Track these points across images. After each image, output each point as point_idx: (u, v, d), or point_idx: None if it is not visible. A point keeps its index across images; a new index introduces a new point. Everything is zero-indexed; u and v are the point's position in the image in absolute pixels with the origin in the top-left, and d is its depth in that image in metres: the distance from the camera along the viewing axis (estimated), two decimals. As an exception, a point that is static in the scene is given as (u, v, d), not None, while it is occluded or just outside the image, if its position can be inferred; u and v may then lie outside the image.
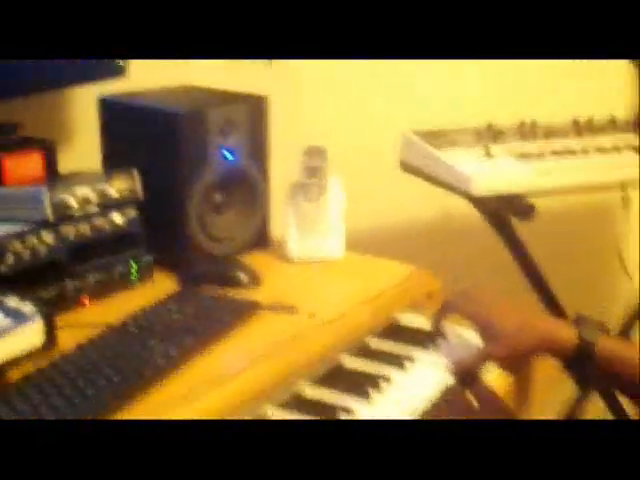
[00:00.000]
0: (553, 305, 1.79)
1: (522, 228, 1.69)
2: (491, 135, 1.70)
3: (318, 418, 1.01)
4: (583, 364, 1.10)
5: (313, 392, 1.08)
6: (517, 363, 1.15)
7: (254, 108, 1.41)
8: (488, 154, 1.58)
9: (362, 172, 1.85)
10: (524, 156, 1.60)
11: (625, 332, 1.92)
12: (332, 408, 1.04)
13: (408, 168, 1.72)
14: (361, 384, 1.09)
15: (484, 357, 1.12)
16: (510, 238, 1.70)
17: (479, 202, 1.62)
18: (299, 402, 1.06)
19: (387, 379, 1.11)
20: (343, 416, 1.01)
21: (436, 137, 1.68)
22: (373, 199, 1.92)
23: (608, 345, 1.09)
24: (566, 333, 1.11)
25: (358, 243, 1.44)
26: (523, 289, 1.80)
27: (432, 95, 1.99)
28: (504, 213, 1.61)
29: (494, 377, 1.13)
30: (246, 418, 0.99)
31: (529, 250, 1.76)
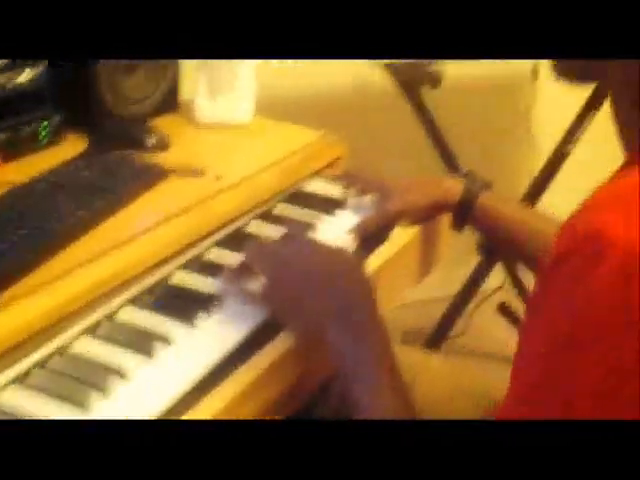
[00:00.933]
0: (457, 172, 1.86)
1: (433, 101, 1.73)
2: None
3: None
4: (465, 216, 1.18)
5: (217, 255, 1.12)
6: (415, 217, 1.21)
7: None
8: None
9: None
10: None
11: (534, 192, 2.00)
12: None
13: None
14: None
15: (383, 214, 1.19)
16: (420, 107, 1.74)
17: (391, 68, 1.65)
18: (202, 264, 1.10)
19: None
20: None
21: None
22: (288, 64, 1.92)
23: (488, 199, 1.18)
24: (452, 185, 1.21)
25: (268, 109, 1.46)
26: (432, 162, 1.87)
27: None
28: (415, 81, 1.64)
29: (399, 233, 1.19)
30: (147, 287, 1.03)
31: (438, 123, 1.80)
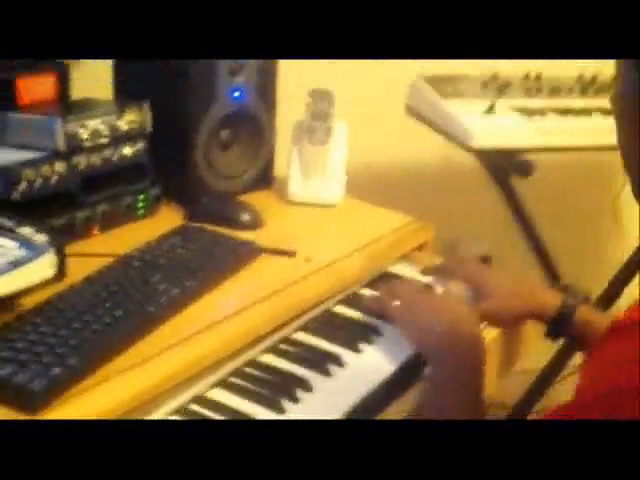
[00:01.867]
0: (546, 261, 1.85)
1: (521, 184, 1.73)
2: (496, 86, 1.72)
3: (307, 366, 1.07)
4: (561, 329, 1.19)
5: (304, 337, 1.14)
6: (506, 322, 1.23)
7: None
8: (491, 108, 1.61)
9: (368, 118, 1.87)
10: (527, 112, 1.63)
11: (612, 291, 1.97)
12: (323, 355, 1.10)
13: (413, 113, 1.75)
14: (352, 334, 1.15)
15: (477, 311, 1.19)
16: (509, 193, 1.74)
17: (481, 155, 1.66)
18: (290, 347, 1.12)
19: (376, 330, 1.17)
20: (332, 367, 1.07)
21: (443, 83, 1.71)
22: (377, 145, 1.95)
23: (586, 313, 1.17)
24: (551, 297, 1.21)
25: (358, 188, 1.49)
26: (518, 245, 1.86)
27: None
28: (504, 168, 1.65)
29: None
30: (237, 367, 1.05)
31: (526, 206, 1.80)
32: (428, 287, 1.22)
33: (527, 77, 1.76)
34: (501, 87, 1.72)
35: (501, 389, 2.19)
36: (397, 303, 1.15)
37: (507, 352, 1.26)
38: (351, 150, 1.50)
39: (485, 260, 2.17)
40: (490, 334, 1.21)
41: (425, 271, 1.31)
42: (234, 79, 1.39)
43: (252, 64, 1.40)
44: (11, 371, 0.90)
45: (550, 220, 1.84)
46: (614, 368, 0.73)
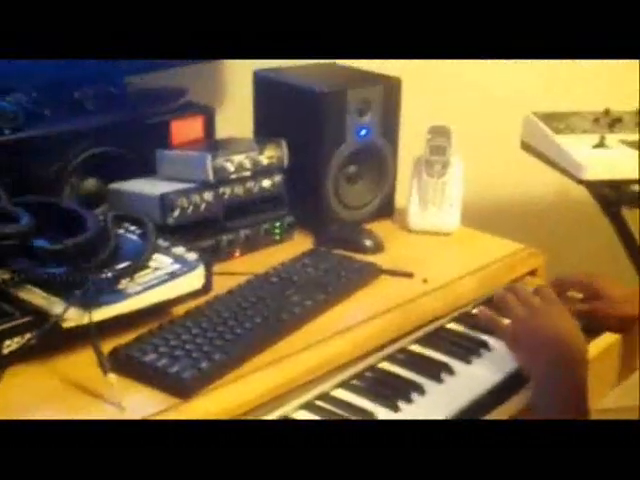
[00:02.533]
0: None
1: (632, 216, 1.80)
2: (607, 122, 1.81)
3: (420, 373, 1.20)
4: None
5: (419, 349, 1.27)
6: (620, 325, 1.30)
7: (389, 88, 1.58)
8: (602, 142, 1.70)
9: (485, 153, 1.99)
10: (636, 145, 1.70)
11: None
12: (436, 365, 1.22)
13: (528, 149, 1.86)
14: (463, 348, 1.27)
15: (593, 313, 1.29)
16: (619, 224, 1.82)
17: (592, 188, 1.75)
18: (406, 356, 1.25)
19: (485, 345, 1.28)
20: (444, 374, 1.20)
21: (556, 120, 1.81)
22: (494, 178, 2.06)
23: None
24: None
25: (475, 219, 1.61)
26: (630, 278, 1.92)
27: (552, 77, 2.11)
28: (614, 200, 1.73)
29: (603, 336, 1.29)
30: (356, 370, 1.19)
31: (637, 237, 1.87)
32: (537, 294, 1.26)
33: (639, 112, 1.84)
34: (612, 122, 1.80)
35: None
36: (506, 321, 1.24)
37: (626, 358, 1.34)
38: (468, 183, 1.63)
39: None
40: (609, 339, 1.29)
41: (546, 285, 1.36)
42: (362, 118, 1.54)
43: (377, 104, 1.55)
44: (167, 363, 1.07)
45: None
46: None
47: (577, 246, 2.21)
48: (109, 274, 1.14)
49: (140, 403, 1.04)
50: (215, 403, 1.05)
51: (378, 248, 1.49)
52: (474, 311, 1.39)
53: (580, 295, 1.35)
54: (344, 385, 1.17)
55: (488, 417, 1.13)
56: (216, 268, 1.35)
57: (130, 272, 1.16)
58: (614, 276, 1.88)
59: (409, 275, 1.39)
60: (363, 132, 1.55)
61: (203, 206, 1.39)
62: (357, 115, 1.53)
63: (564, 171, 1.71)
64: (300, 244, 1.50)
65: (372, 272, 1.38)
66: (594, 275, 1.34)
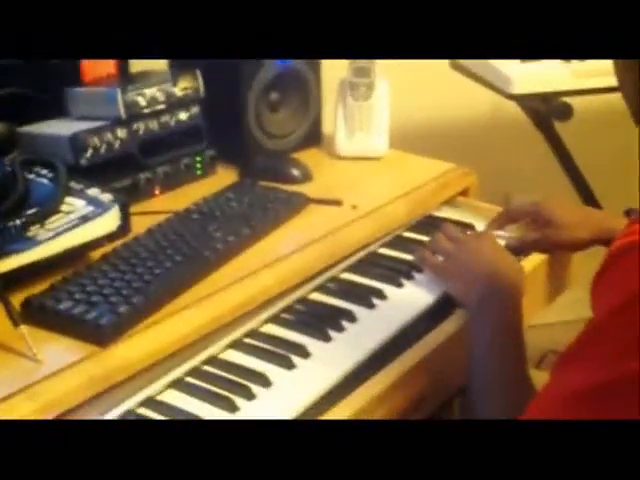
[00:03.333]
0: (593, 205, 1.89)
1: (564, 128, 1.77)
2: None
3: (351, 300, 1.16)
4: None
5: (350, 276, 1.23)
6: (573, 248, 1.30)
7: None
8: (531, 55, 1.66)
9: (413, 73, 1.93)
10: (566, 57, 1.67)
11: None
12: (368, 290, 1.19)
13: (458, 67, 1.81)
14: (394, 272, 1.23)
15: (546, 240, 1.27)
16: (551, 137, 1.79)
17: (523, 102, 1.72)
18: (337, 285, 1.21)
19: (417, 267, 1.25)
20: (375, 300, 1.16)
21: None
22: (423, 99, 2.01)
23: None
24: (617, 222, 1.24)
25: (404, 141, 1.56)
26: (565, 190, 1.90)
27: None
28: (545, 113, 1.70)
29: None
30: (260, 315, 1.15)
31: (571, 150, 1.84)
32: (465, 233, 1.27)
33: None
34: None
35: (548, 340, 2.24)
36: (439, 259, 1.22)
37: (554, 280, 1.33)
38: (397, 105, 1.58)
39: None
40: (535, 261, 1.27)
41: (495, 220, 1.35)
42: (279, 43, 1.47)
43: (295, 28, 1.48)
44: (83, 310, 1.01)
45: (594, 163, 1.87)
46: (625, 280, 0.74)
47: (515, 164, 2.18)
48: (17, 221, 1.08)
49: (57, 354, 0.98)
50: (138, 347, 1.00)
51: (306, 177, 1.44)
52: (406, 234, 1.36)
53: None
54: (273, 320, 1.13)
55: (423, 339, 1.09)
56: (135, 208, 1.29)
57: (40, 218, 1.10)
58: (554, 191, 1.87)
59: (338, 203, 1.34)
60: (282, 57, 1.49)
61: (117, 144, 1.32)
62: (275, 39, 1.46)
63: (494, 87, 1.67)
64: (224, 178, 1.44)
65: (299, 202, 1.33)
66: (541, 203, 1.31)
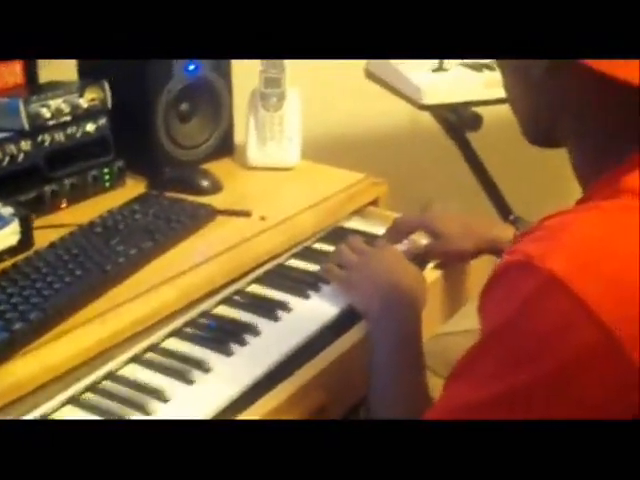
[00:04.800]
0: (506, 213, 1.92)
1: (478, 138, 1.79)
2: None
3: (255, 313, 1.16)
4: None
5: (256, 289, 1.23)
6: (460, 258, 1.30)
7: (220, 21, 1.51)
8: (441, 65, 1.68)
9: (326, 83, 1.95)
10: (475, 67, 1.70)
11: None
12: (273, 303, 1.19)
13: (372, 76, 1.82)
14: (301, 283, 1.24)
15: (432, 252, 1.28)
16: (464, 147, 1.82)
17: (435, 113, 1.74)
18: (243, 298, 1.21)
19: (325, 279, 1.25)
20: (280, 312, 1.16)
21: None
22: (337, 109, 2.02)
23: None
24: (503, 232, 1.27)
25: (318, 152, 1.57)
26: (479, 200, 1.93)
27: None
28: (457, 124, 1.72)
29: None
30: (194, 318, 1.14)
31: (484, 159, 1.87)
32: (371, 245, 1.26)
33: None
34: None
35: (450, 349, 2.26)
36: (342, 272, 1.21)
37: (452, 295, 1.34)
38: (309, 115, 1.58)
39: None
40: (434, 274, 1.28)
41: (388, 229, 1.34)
42: (189, 54, 1.47)
43: (205, 39, 1.48)
44: (-24, 327, 0.99)
45: (508, 172, 1.90)
46: (507, 299, 0.76)
47: (436, 172, 2.20)
48: None
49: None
50: (33, 364, 0.98)
51: (215, 188, 1.43)
52: (315, 246, 1.36)
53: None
54: (176, 334, 1.12)
55: (326, 350, 1.10)
56: (41, 221, 1.28)
57: None
58: (474, 198, 1.90)
59: (246, 214, 1.34)
60: (192, 67, 1.48)
61: (21, 156, 1.30)
62: (184, 50, 1.46)
63: (406, 97, 1.69)
64: (133, 190, 1.42)
65: (206, 214, 1.32)
66: (428, 215, 1.32)
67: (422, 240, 1.31)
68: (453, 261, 1.31)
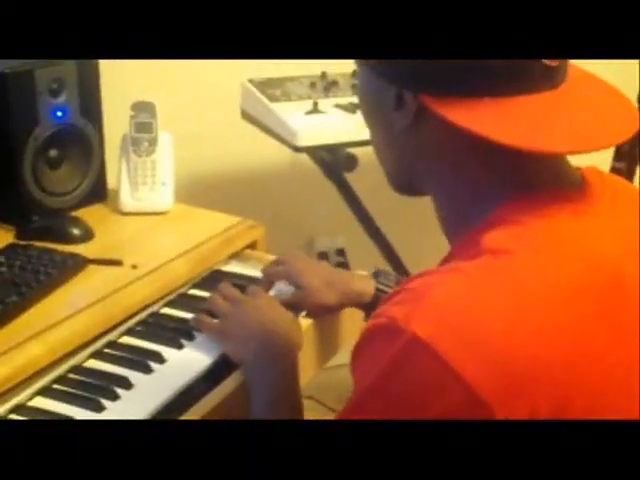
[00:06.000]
0: (389, 251, 1.94)
1: (360, 179, 1.80)
2: (324, 85, 1.81)
3: (128, 366, 1.13)
4: None
5: (128, 340, 1.20)
6: (323, 311, 1.29)
7: (84, 66, 1.47)
8: (316, 107, 1.69)
9: (202, 125, 1.93)
10: (349, 108, 1.71)
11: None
12: (146, 354, 1.16)
13: (247, 117, 1.82)
14: (175, 333, 1.21)
15: (295, 305, 1.26)
16: (342, 187, 1.83)
17: (312, 154, 1.75)
18: (114, 350, 1.18)
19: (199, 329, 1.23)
20: (153, 364, 1.13)
21: (271, 87, 1.78)
22: (213, 150, 2.01)
23: None
24: (364, 285, 1.27)
25: (194, 195, 1.55)
26: (363, 240, 1.94)
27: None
28: (333, 164, 1.73)
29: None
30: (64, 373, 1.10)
31: (364, 199, 1.88)
32: (243, 291, 1.24)
33: (354, 74, 1.85)
34: (328, 86, 1.80)
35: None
36: (214, 322, 1.19)
37: (325, 342, 1.33)
38: (184, 158, 1.57)
39: (340, 253, 2.25)
40: (305, 323, 1.26)
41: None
42: (56, 99, 1.43)
43: (73, 83, 1.45)
44: None
45: (390, 213, 1.92)
46: (373, 363, 0.77)
47: (319, 209, 2.20)
48: None
49: None
50: None
51: (87, 236, 1.40)
52: (191, 292, 1.34)
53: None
54: (43, 392, 1.08)
55: (201, 402, 1.08)
56: None
57: None
58: (357, 233, 1.89)
59: (118, 263, 1.31)
60: (59, 113, 1.44)
61: None
62: (50, 96, 1.42)
63: (281, 139, 1.69)
64: (0, 240, 1.37)
65: (76, 264, 1.29)
66: (293, 266, 1.29)
67: (291, 288, 1.30)
68: (319, 313, 1.29)
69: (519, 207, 0.79)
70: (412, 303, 0.75)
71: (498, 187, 0.81)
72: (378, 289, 1.27)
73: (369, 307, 1.26)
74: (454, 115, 0.77)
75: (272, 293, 1.30)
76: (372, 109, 0.89)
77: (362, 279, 1.30)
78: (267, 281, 1.31)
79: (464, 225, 0.82)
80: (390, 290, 1.24)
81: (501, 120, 0.76)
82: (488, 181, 0.82)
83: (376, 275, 1.30)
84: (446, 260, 0.84)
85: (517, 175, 0.82)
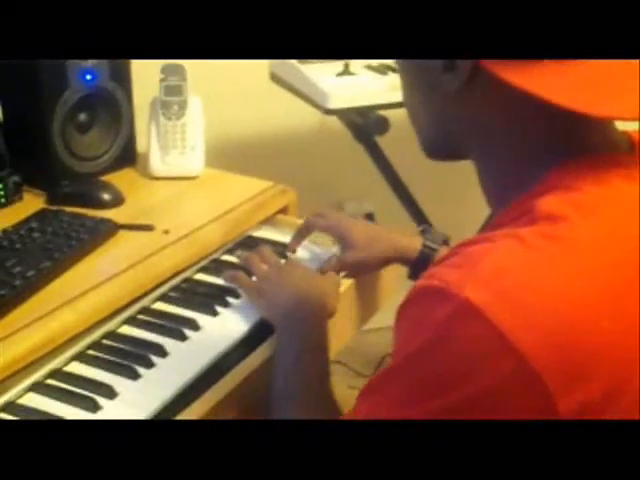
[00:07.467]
0: (419, 216, 1.91)
1: (388, 141, 1.78)
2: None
3: (162, 333, 1.12)
4: (423, 269, 1.24)
5: (162, 306, 1.19)
6: (368, 268, 1.28)
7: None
8: (347, 69, 1.67)
9: (229, 89, 1.91)
10: (380, 70, 1.69)
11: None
12: (180, 321, 1.15)
13: (277, 80, 1.79)
14: (209, 299, 1.20)
15: (339, 264, 1.26)
16: (372, 150, 1.80)
17: (342, 117, 1.72)
18: (147, 316, 1.17)
19: (234, 292, 1.22)
20: (187, 331, 1.12)
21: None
22: (243, 114, 1.98)
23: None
24: (411, 241, 1.26)
25: (223, 159, 1.53)
26: (392, 202, 1.92)
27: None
28: (364, 127, 1.71)
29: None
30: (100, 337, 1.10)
31: (395, 163, 1.86)
32: (280, 256, 1.26)
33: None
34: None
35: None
36: (252, 279, 1.20)
37: (365, 302, 1.32)
38: (213, 122, 1.54)
39: (369, 217, 2.24)
40: (345, 283, 1.25)
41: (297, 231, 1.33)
42: (85, 62, 1.41)
43: (102, 46, 1.42)
44: None
45: (420, 176, 1.89)
46: (421, 324, 0.74)
47: (342, 178, 2.18)
48: None
49: None
50: None
51: (117, 201, 1.38)
52: (223, 258, 1.33)
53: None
54: (78, 358, 1.07)
55: (236, 369, 1.07)
56: None
57: None
58: (384, 198, 1.88)
59: (149, 228, 1.30)
60: (89, 77, 1.42)
61: None
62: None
63: (311, 101, 1.67)
64: (31, 206, 1.36)
65: (108, 229, 1.27)
66: (337, 220, 1.29)
67: (332, 249, 1.29)
68: (362, 272, 1.29)
69: (572, 172, 0.76)
70: (467, 268, 0.72)
71: (550, 152, 0.78)
72: (425, 245, 1.25)
73: (414, 264, 1.25)
74: (517, 78, 0.73)
75: (307, 256, 1.30)
76: (414, 70, 0.85)
77: (407, 235, 1.29)
78: (306, 231, 1.30)
79: (513, 191, 0.79)
80: (437, 248, 1.24)
81: (564, 83, 0.73)
82: (540, 146, 0.79)
83: (424, 232, 1.28)
84: (491, 226, 0.81)
85: (570, 139, 0.78)
